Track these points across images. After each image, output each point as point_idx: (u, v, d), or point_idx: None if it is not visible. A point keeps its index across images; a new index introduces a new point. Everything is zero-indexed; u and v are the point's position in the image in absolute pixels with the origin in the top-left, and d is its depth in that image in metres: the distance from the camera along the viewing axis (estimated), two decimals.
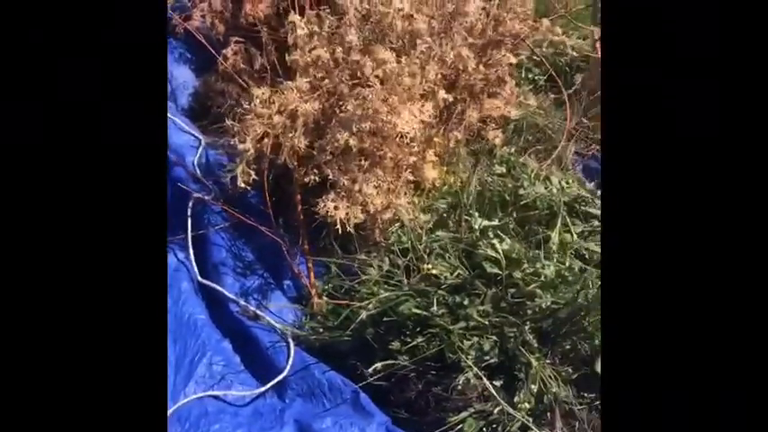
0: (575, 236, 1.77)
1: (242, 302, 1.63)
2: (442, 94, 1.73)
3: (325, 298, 1.67)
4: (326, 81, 1.67)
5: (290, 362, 1.51)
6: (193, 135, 2.14)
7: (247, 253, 1.77)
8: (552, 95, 2.37)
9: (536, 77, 2.65)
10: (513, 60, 2.08)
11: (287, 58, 1.71)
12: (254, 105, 1.62)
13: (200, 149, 2.06)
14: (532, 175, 1.89)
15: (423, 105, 1.62)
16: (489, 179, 1.85)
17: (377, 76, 1.55)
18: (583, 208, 1.85)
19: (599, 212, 1.85)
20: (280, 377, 1.49)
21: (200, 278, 1.69)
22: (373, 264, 1.59)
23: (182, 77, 2.44)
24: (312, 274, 1.73)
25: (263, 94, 1.61)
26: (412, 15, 1.81)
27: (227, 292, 1.64)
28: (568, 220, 1.80)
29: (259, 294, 1.70)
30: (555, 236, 1.72)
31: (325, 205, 1.52)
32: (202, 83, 2.33)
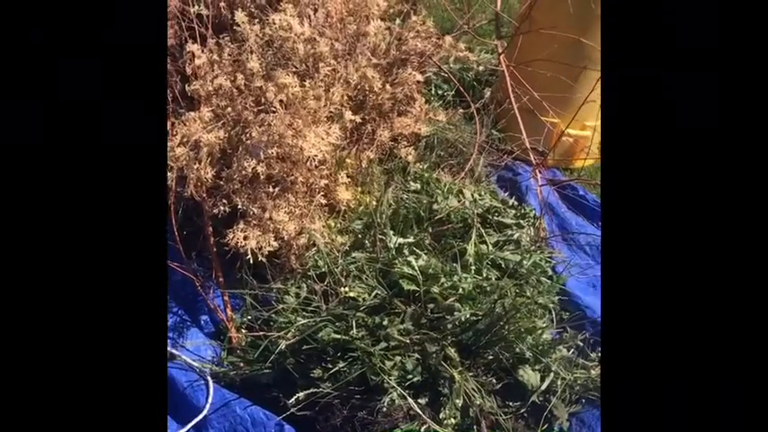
0: (490, 246, 1.79)
1: None
2: (348, 115, 1.72)
3: (243, 331, 1.62)
4: (230, 109, 1.64)
5: (210, 400, 1.46)
6: None
7: None
8: (461, 110, 2.40)
9: (445, 93, 2.69)
10: (420, 78, 2.10)
11: (187, 88, 1.67)
12: None
13: None
14: (445, 190, 1.91)
15: (330, 128, 1.61)
16: (405, 196, 1.85)
17: (281, 101, 1.52)
18: (496, 218, 1.87)
19: (512, 222, 1.88)
20: (199, 417, 1.43)
21: None
22: (290, 291, 1.56)
23: None
24: (229, 308, 1.68)
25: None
26: (314, 39, 1.80)
27: None
28: (483, 231, 1.82)
29: (174, 333, 1.63)
30: (471, 248, 1.73)
31: (234, 236, 1.48)
32: None
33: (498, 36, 2.66)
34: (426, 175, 2.04)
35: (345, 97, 1.80)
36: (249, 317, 1.64)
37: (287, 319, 1.50)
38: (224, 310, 1.66)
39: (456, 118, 2.36)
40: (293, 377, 1.47)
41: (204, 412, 1.44)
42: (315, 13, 1.91)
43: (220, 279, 1.69)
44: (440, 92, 2.71)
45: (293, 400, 1.40)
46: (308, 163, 1.55)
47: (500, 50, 2.59)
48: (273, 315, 1.52)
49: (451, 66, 2.79)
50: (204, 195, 1.65)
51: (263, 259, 1.48)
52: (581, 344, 1.67)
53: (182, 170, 1.61)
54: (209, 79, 1.66)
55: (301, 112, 1.51)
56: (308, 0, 1.91)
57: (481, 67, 2.84)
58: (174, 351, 1.56)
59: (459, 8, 2.95)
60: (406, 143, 2.11)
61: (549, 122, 2.54)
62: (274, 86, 1.52)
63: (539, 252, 1.84)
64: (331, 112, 1.74)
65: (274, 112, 1.53)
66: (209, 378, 1.49)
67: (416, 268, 1.53)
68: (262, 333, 1.54)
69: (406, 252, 1.61)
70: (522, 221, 1.89)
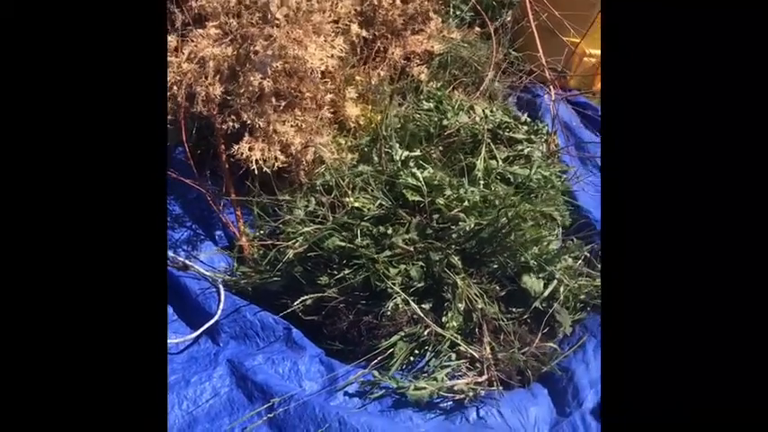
0: (500, 161, 1.79)
1: (170, 254, 1.62)
2: (355, 29, 1.72)
3: (254, 242, 1.67)
4: (236, 25, 1.65)
5: (221, 306, 1.52)
6: None
7: (174, 207, 1.76)
8: (478, 29, 2.36)
9: (464, 13, 2.64)
10: None
11: (194, 4, 1.68)
12: None
13: None
14: (456, 106, 1.90)
15: (333, 40, 1.61)
16: (416, 115, 1.85)
17: (285, 15, 1.52)
18: (507, 133, 1.87)
19: (523, 137, 1.87)
20: (211, 322, 1.50)
21: None
22: (298, 204, 1.59)
23: None
24: (240, 221, 1.72)
25: (169, 42, 1.58)
26: None
27: None
28: (493, 146, 1.82)
29: (188, 245, 1.69)
30: (480, 162, 1.74)
31: (239, 148, 1.51)
32: None
33: None
34: (439, 93, 2.03)
35: (354, 12, 1.80)
36: (261, 230, 1.68)
37: (295, 229, 1.53)
38: (236, 223, 1.70)
39: (472, 37, 2.33)
40: (301, 284, 1.51)
41: (216, 317, 1.50)
42: None
43: (232, 194, 1.73)
44: (458, 12, 2.66)
45: (298, 303, 1.44)
46: (312, 75, 1.56)
47: None
48: (281, 226, 1.56)
49: None
50: (214, 112, 1.67)
51: (267, 170, 1.51)
52: (588, 254, 1.68)
53: (191, 87, 1.63)
54: None
55: (303, 24, 1.51)
56: None
57: None
58: (187, 262, 1.62)
59: None
60: (418, 61, 2.10)
61: (570, 42, 2.49)
62: None
63: (549, 166, 1.84)
64: (338, 26, 1.73)
65: (278, 25, 1.53)
66: (220, 286, 1.55)
67: (421, 179, 1.54)
68: (270, 243, 1.58)
69: (412, 165, 1.62)
70: (533, 137, 1.88)
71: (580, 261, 1.66)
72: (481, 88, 2.16)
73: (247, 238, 1.69)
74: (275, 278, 1.55)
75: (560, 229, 1.78)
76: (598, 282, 1.60)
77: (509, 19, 2.61)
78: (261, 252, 1.64)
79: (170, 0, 1.70)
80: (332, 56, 1.59)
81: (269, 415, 1.30)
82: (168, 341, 1.48)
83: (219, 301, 1.53)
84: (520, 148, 1.84)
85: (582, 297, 1.60)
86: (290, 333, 1.48)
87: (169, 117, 1.63)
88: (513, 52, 2.46)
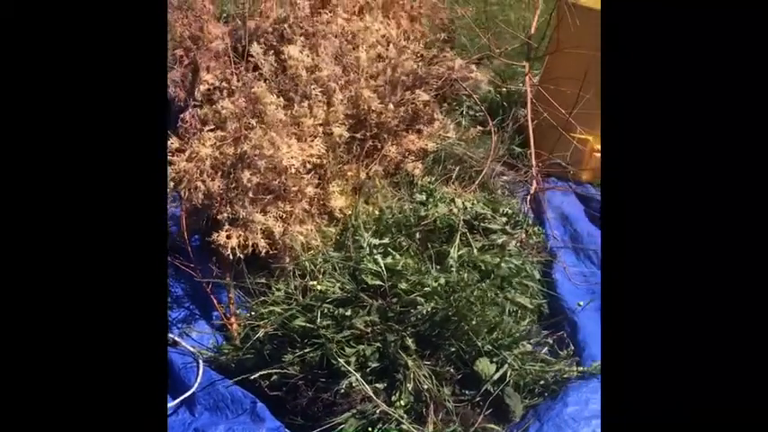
0: (475, 250, 1.90)
1: None
2: (338, 131, 1.91)
3: (239, 323, 1.83)
4: (233, 128, 1.88)
5: (199, 380, 1.67)
6: None
7: (177, 289, 1.95)
8: (480, 128, 2.52)
9: (476, 114, 2.82)
10: (426, 98, 2.26)
11: (198, 111, 1.93)
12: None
13: None
14: (438, 198, 2.04)
15: (312, 140, 1.80)
16: (396, 206, 2.00)
17: (260, 119, 1.74)
18: (483, 224, 1.98)
19: (498, 228, 1.98)
20: (188, 393, 1.64)
21: None
22: (273, 286, 1.75)
23: None
24: (232, 304, 1.89)
25: (171, 144, 1.82)
26: (316, 65, 2.02)
27: None
28: (469, 236, 1.93)
29: (183, 324, 1.87)
30: (454, 251, 1.85)
31: (218, 236, 1.70)
32: None
33: (527, 58, 2.77)
34: (431, 187, 2.17)
35: (342, 115, 2.00)
36: (252, 311, 1.84)
37: (266, 309, 1.68)
38: (227, 305, 1.87)
39: (471, 135, 2.48)
40: (269, 361, 1.65)
41: (193, 389, 1.65)
42: (322, 45, 2.12)
43: (227, 277, 1.91)
44: (471, 112, 2.85)
45: (256, 375, 1.58)
46: (290, 171, 1.75)
47: (527, 71, 2.70)
48: (256, 307, 1.72)
49: (482, 88, 2.93)
50: (211, 203, 1.88)
51: (240, 255, 1.69)
52: (550, 341, 1.74)
53: (190, 181, 1.85)
54: (217, 101, 1.91)
55: (277, 128, 1.71)
56: (314, 31, 2.13)
57: (512, 87, 2.96)
58: (176, 339, 1.79)
59: (495, 32, 3.09)
60: (413, 158, 2.26)
61: (578, 140, 2.59)
62: (252, 103, 1.73)
63: (524, 256, 1.93)
64: (324, 129, 1.94)
65: (260, 128, 1.74)
66: (200, 361, 1.71)
67: (381, 265, 1.67)
68: (248, 323, 1.73)
69: (380, 252, 1.76)
70: (508, 228, 1.99)
71: (541, 347, 1.72)
72: (476, 182, 2.30)
73: (236, 318, 1.85)
74: (249, 355, 1.69)
75: (533, 315, 1.85)
76: (555, 367, 1.65)
77: (512, 113, 2.76)
78: (246, 331, 1.80)
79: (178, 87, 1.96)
80: (309, 155, 1.78)
81: None
82: None
83: (198, 374, 1.68)
84: (494, 237, 1.95)
85: (541, 383, 1.66)
86: (254, 406, 1.61)
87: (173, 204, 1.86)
88: (517, 148, 2.59)
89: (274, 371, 1.59)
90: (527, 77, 2.68)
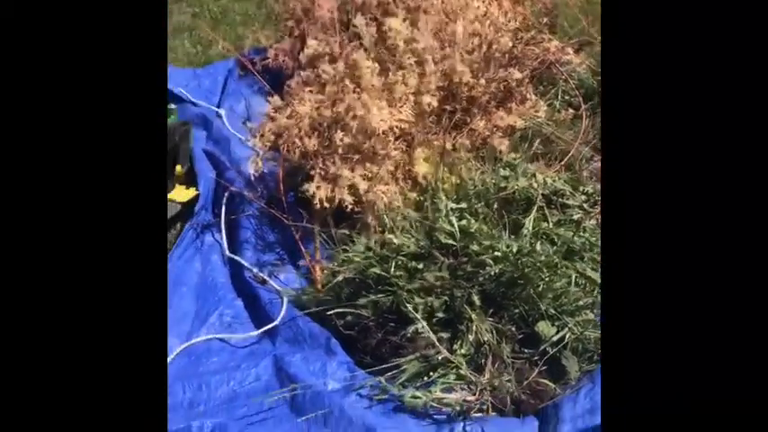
0: (551, 224, 1.98)
1: (255, 270, 2.00)
2: (428, 99, 2.03)
3: (326, 271, 1.99)
4: (330, 91, 2.04)
5: (282, 314, 1.84)
6: (255, 150, 2.57)
7: (269, 235, 2.14)
8: (572, 110, 2.56)
9: (571, 99, 2.85)
10: (519, 76, 2.35)
11: (302, 73, 2.10)
12: (269, 111, 2.01)
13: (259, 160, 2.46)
14: (520, 173, 2.12)
15: (401, 107, 1.94)
16: (477, 177, 2.10)
17: (357, 83, 1.89)
18: (561, 200, 2.05)
19: (576, 204, 2.04)
20: (270, 325, 1.83)
21: (227, 252, 2.08)
22: (355, 239, 1.90)
23: (258, 107, 2.90)
24: (318, 253, 2.06)
25: (275, 101, 2.00)
26: (413, 38, 2.15)
27: (244, 262, 2.02)
28: (546, 210, 2.01)
29: (272, 267, 2.05)
30: (528, 222, 1.94)
31: (308, 187, 1.87)
32: None
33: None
34: (516, 163, 2.25)
35: (434, 86, 2.12)
36: (336, 260, 1.99)
37: (346, 258, 1.84)
38: (313, 252, 2.04)
39: (562, 117, 2.53)
40: (346, 304, 1.80)
41: (276, 322, 1.83)
42: (422, 19, 2.24)
43: (316, 230, 2.08)
44: (567, 97, 2.88)
45: (332, 312, 1.74)
46: (379, 134, 1.89)
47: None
48: (338, 254, 1.88)
49: (580, 73, 2.95)
50: (307, 162, 2.05)
51: (326, 205, 1.85)
52: None
53: (290, 137, 2.03)
54: (319, 66, 2.08)
55: (370, 91, 1.85)
56: (416, 5, 2.26)
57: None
58: (266, 277, 1.98)
59: (597, 17, 3.10)
60: (501, 134, 2.35)
61: None
62: (351, 69, 1.88)
63: (598, 234, 1.98)
64: (416, 98, 2.06)
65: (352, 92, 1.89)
66: (284, 298, 1.88)
67: (456, 226, 1.78)
68: (330, 268, 1.90)
69: (456, 215, 1.87)
70: (586, 206, 2.04)
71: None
72: (562, 162, 2.35)
73: (320, 265, 2.01)
74: (328, 297, 1.85)
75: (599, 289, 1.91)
76: None
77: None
78: (327, 278, 1.96)
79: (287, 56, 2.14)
80: (399, 119, 1.91)
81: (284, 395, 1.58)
82: (235, 336, 1.84)
83: (281, 310, 1.86)
84: (571, 213, 2.01)
85: (599, 351, 1.72)
86: (329, 342, 1.76)
87: (272, 162, 2.04)
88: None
89: (349, 311, 1.74)
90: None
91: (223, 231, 2.14)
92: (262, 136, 1.97)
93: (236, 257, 2.06)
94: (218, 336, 1.84)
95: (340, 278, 1.82)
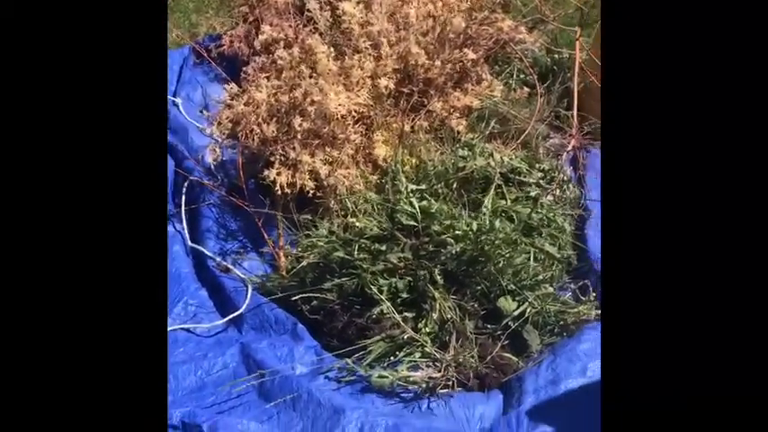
0: (509, 201, 2.01)
1: (218, 259, 2.00)
2: (385, 81, 2.04)
3: (289, 257, 2.00)
4: (286, 77, 2.03)
5: (247, 302, 1.85)
6: (213, 138, 2.55)
7: (231, 224, 2.14)
8: (527, 89, 2.59)
9: (526, 78, 2.89)
10: (473, 56, 2.37)
11: (257, 59, 2.09)
12: (225, 98, 2.00)
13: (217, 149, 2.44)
14: (478, 152, 2.15)
15: (359, 90, 1.94)
16: (436, 157, 2.12)
17: (312, 68, 1.89)
18: (518, 178, 2.09)
19: (533, 182, 2.08)
20: (236, 313, 1.83)
21: (189, 242, 2.07)
22: (318, 224, 1.91)
23: (214, 94, 2.87)
24: (281, 239, 2.06)
25: (231, 88, 1.99)
26: (368, 22, 2.16)
27: (206, 251, 2.01)
28: (504, 188, 2.05)
29: (236, 255, 2.05)
30: (487, 200, 1.97)
31: (268, 174, 1.87)
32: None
33: (579, 24, 2.82)
34: (474, 143, 2.28)
35: (390, 69, 2.13)
36: (299, 247, 2.00)
37: (309, 243, 1.85)
38: (276, 239, 2.05)
39: (518, 95, 2.56)
40: (310, 289, 1.81)
41: (241, 310, 1.83)
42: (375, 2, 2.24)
43: (279, 216, 2.08)
44: (522, 76, 2.92)
45: (297, 297, 1.75)
46: (338, 118, 1.89)
47: (577, 36, 2.76)
48: (301, 240, 1.88)
49: (534, 52, 2.99)
50: (266, 148, 2.05)
51: (288, 191, 1.85)
52: (573, 287, 1.85)
53: (247, 125, 2.02)
54: (275, 52, 2.07)
55: (326, 76, 1.86)
56: None
57: (565, 54, 3.00)
58: (229, 266, 1.98)
59: None
60: (458, 115, 2.37)
61: None
62: (307, 54, 1.88)
63: (556, 209, 2.03)
64: (372, 81, 2.07)
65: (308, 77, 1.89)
66: (249, 286, 1.89)
67: (416, 207, 1.81)
68: (294, 254, 1.90)
69: (416, 196, 1.89)
70: (543, 182, 2.08)
71: (565, 293, 1.84)
72: (518, 141, 2.39)
73: (284, 251, 2.02)
74: (292, 282, 1.86)
75: (561, 265, 1.95)
76: (575, 310, 1.77)
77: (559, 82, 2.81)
78: (291, 263, 1.97)
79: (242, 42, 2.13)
80: (356, 103, 1.92)
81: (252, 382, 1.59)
82: (200, 326, 1.84)
83: (246, 297, 1.86)
84: (528, 190, 2.05)
85: (560, 323, 1.77)
86: (295, 327, 1.78)
87: (231, 150, 2.03)
88: (563, 111, 2.65)
89: (314, 295, 1.76)
90: (577, 42, 2.73)
91: (184, 221, 2.13)
92: (219, 124, 1.96)
93: (199, 247, 2.05)
94: (183, 326, 1.84)
95: (304, 263, 1.83)
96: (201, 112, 2.65)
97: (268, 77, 2.02)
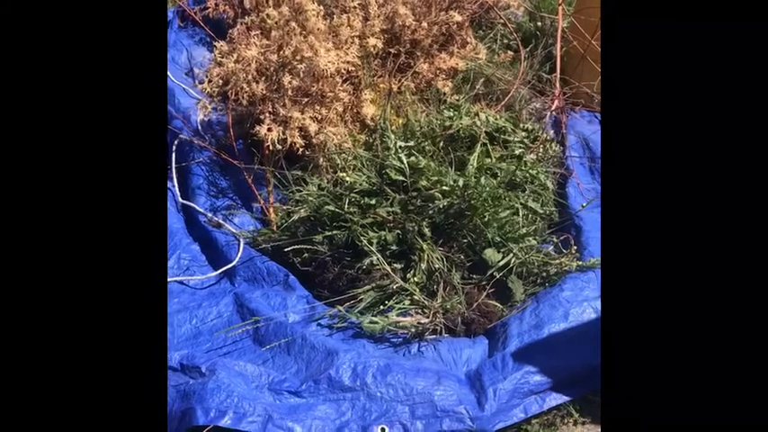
0: (493, 158, 2.07)
1: (209, 215, 2.03)
2: (372, 41, 2.08)
3: (280, 213, 2.04)
4: (277, 35, 2.06)
5: (239, 255, 1.89)
6: (199, 98, 2.57)
7: (222, 182, 2.17)
8: (511, 53, 2.64)
9: (510, 42, 2.93)
10: (459, 19, 2.41)
11: (246, 18, 2.11)
12: (216, 56, 2.02)
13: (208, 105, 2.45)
14: (464, 112, 2.20)
15: (348, 48, 1.98)
16: (423, 117, 2.17)
17: (303, 26, 1.92)
18: (503, 137, 2.14)
19: (517, 140, 2.14)
20: (229, 266, 1.88)
21: (179, 198, 2.10)
22: (308, 179, 1.95)
23: (199, 57, 2.88)
24: (272, 196, 2.11)
25: (221, 46, 2.01)
26: None
27: (198, 207, 2.05)
28: (489, 146, 2.10)
29: (226, 211, 2.09)
30: (473, 158, 2.02)
31: (260, 130, 1.90)
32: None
33: None
34: (459, 104, 2.33)
35: (378, 29, 2.16)
36: (289, 201, 2.04)
37: (301, 198, 1.89)
38: (267, 196, 2.09)
39: (502, 59, 2.61)
40: (302, 242, 1.86)
41: (234, 262, 1.88)
42: None
43: (267, 171, 2.12)
44: (505, 41, 2.96)
45: (289, 249, 1.80)
46: (327, 76, 1.93)
47: (560, 2, 2.80)
48: (291, 195, 1.93)
49: (518, 17, 3.04)
50: (256, 107, 2.08)
51: (279, 146, 1.89)
52: (555, 240, 1.92)
53: (237, 83, 2.05)
54: (264, 11, 2.09)
55: (317, 33, 1.89)
56: None
57: (548, 21, 3.05)
58: (220, 221, 2.01)
59: None
60: (444, 77, 2.42)
61: None
62: (296, 13, 1.91)
63: (539, 167, 2.09)
64: (361, 40, 2.11)
65: (299, 34, 1.92)
66: (241, 240, 1.93)
67: (405, 163, 1.86)
68: (285, 209, 1.95)
69: (404, 153, 1.94)
70: (526, 141, 2.14)
71: (548, 246, 1.90)
72: (502, 103, 2.44)
73: (274, 207, 2.06)
74: (284, 236, 1.91)
75: (544, 220, 2.02)
76: (556, 261, 1.84)
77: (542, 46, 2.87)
78: (282, 219, 2.01)
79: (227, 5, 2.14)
80: (346, 62, 1.95)
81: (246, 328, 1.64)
82: (193, 278, 1.88)
83: (238, 251, 1.91)
84: (512, 148, 2.11)
85: (543, 273, 1.84)
86: (287, 278, 1.83)
87: (220, 107, 2.06)
88: (545, 75, 2.71)
89: (306, 247, 1.81)
90: (560, 8, 2.78)
91: (174, 179, 2.16)
92: (209, 81, 1.98)
93: (190, 203, 2.09)
94: (176, 278, 1.88)
95: (296, 217, 1.87)
96: (188, 74, 2.66)
97: (257, 36, 2.04)
